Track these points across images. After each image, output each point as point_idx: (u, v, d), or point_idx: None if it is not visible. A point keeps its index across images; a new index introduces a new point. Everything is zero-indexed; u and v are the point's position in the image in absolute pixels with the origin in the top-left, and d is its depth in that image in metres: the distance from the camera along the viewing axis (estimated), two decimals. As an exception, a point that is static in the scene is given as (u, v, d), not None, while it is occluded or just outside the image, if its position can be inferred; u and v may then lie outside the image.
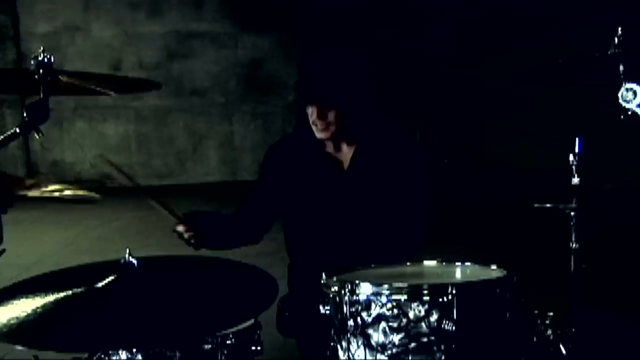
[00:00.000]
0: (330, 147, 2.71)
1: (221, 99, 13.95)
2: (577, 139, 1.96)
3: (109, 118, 13.55)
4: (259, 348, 1.86)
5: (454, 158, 7.72)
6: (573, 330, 1.80)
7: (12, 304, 1.40)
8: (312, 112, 2.57)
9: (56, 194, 1.92)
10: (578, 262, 1.94)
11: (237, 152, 14.25)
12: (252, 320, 1.91)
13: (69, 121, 13.47)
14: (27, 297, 1.44)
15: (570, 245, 1.98)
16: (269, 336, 2.10)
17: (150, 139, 13.73)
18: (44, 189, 1.93)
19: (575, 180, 1.96)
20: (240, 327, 1.87)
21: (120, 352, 1.67)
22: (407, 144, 2.75)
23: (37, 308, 1.38)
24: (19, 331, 1.28)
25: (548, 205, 1.95)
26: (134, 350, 1.69)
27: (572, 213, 1.97)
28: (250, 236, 2.83)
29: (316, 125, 2.57)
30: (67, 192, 1.96)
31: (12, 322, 1.31)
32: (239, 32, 13.96)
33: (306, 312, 2.10)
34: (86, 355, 1.49)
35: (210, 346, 1.75)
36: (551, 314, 1.71)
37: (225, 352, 1.74)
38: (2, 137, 1.63)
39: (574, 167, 1.98)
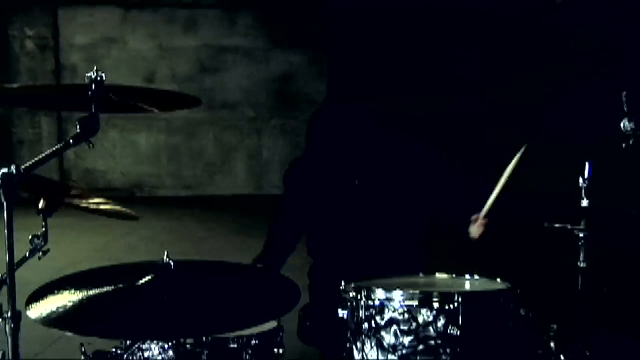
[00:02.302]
0: None
1: (251, 113, 14.16)
2: (586, 164, 2.06)
3: (141, 129, 13.80)
4: (281, 351, 1.99)
5: (479, 178, 7.74)
6: (579, 346, 1.89)
7: (61, 295, 1.56)
8: None
9: (102, 207, 2.05)
10: (585, 280, 2.04)
11: (265, 166, 14.39)
12: (276, 324, 2.04)
13: (103, 131, 13.14)
14: (74, 290, 1.60)
15: (579, 264, 2.08)
16: (291, 344, 2.21)
17: (181, 150, 13.94)
18: (89, 200, 2.08)
19: (585, 202, 2.07)
20: (265, 329, 2.01)
21: (153, 348, 1.81)
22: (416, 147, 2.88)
23: (84, 300, 1.54)
24: (68, 319, 1.45)
25: (557, 225, 2.05)
26: (166, 347, 1.83)
27: (581, 234, 2.07)
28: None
29: None
30: (109, 207, 2.11)
31: (61, 310, 1.48)
32: (271, 48, 14.18)
33: (327, 319, 2.21)
34: (124, 345, 1.63)
35: (236, 346, 1.88)
36: (555, 326, 1.80)
37: (250, 352, 1.88)
38: (56, 147, 1.78)
39: (583, 190, 2.08)
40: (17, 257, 1.81)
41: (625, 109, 1.81)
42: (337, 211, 2.68)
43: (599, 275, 2.07)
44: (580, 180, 2.08)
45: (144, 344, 1.74)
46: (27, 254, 2.09)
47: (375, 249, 2.32)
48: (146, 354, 1.82)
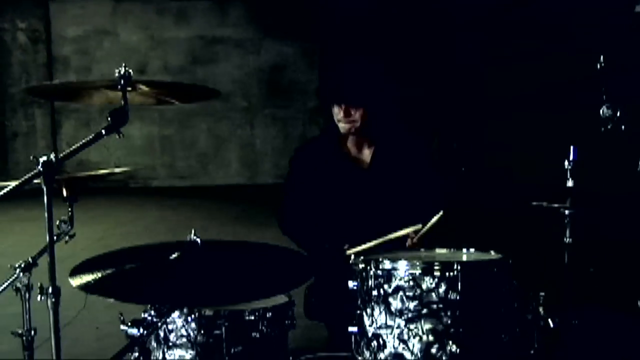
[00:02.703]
0: (352, 150, 3.01)
1: (243, 103, 14.19)
2: (571, 148, 2.24)
3: (134, 120, 13.64)
4: (293, 322, 2.17)
5: (470, 164, 7.94)
6: (566, 313, 2.06)
7: (101, 269, 1.74)
8: (338, 110, 2.87)
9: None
10: (571, 255, 2.22)
11: (258, 155, 14.46)
12: (287, 299, 2.22)
13: (96, 122, 13.66)
14: (113, 264, 1.77)
15: (564, 240, 2.26)
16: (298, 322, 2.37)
17: (174, 141, 13.99)
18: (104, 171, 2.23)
19: (570, 183, 2.25)
20: (277, 302, 2.19)
21: (177, 320, 1.99)
22: (416, 144, 3.04)
23: (122, 271, 1.73)
24: (107, 287, 1.63)
25: (544, 204, 2.23)
26: (189, 319, 2.01)
27: (566, 212, 2.26)
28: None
29: (341, 122, 2.87)
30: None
31: (102, 280, 1.66)
32: (262, 38, 14.21)
33: (331, 296, 2.38)
34: (155, 313, 1.79)
35: (252, 318, 2.06)
36: (543, 294, 1.98)
37: (265, 323, 2.06)
38: (89, 137, 1.93)
39: (568, 172, 2.27)
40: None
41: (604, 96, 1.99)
42: (338, 197, 2.84)
43: (583, 250, 2.25)
44: (566, 162, 2.27)
45: (169, 316, 1.91)
46: (55, 237, 2.27)
47: (375, 230, 2.48)
48: (170, 327, 2.00)
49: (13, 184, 1.95)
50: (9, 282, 2.28)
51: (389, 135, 2.95)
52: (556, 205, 2.20)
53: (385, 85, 2.96)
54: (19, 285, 2.25)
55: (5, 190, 1.90)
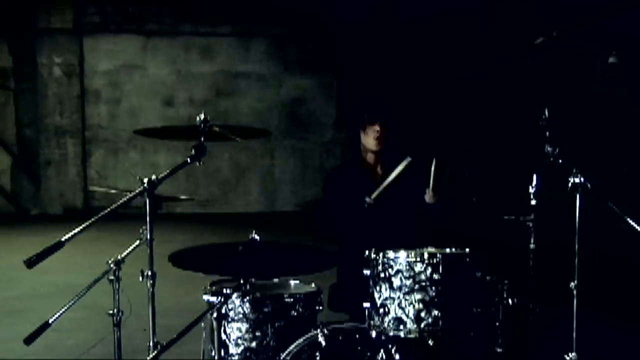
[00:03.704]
0: (370, 165, 3.73)
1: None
2: (534, 175, 2.91)
3: (159, 150, 14.36)
4: (320, 308, 2.85)
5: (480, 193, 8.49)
6: (525, 296, 2.68)
7: (194, 255, 2.49)
8: (373, 130, 3.58)
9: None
10: (535, 258, 2.86)
11: (277, 184, 15.00)
12: (316, 288, 2.90)
13: (124, 151, 14.41)
14: (200, 254, 2.51)
15: (530, 246, 2.90)
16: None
17: (197, 170, 14.14)
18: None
19: (533, 202, 2.90)
20: (309, 290, 2.87)
21: (236, 301, 2.69)
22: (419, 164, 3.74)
23: (210, 255, 2.47)
24: (199, 266, 2.37)
25: (513, 217, 2.89)
26: (244, 299, 2.71)
27: (531, 224, 2.90)
28: None
29: (379, 138, 3.57)
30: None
31: (193, 262, 2.39)
32: (282, 73, 14.83)
33: (351, 291, 3.03)
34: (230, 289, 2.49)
35: (291, 300, 2.75)
36: (507, 281, 2.61)
37: (300, 304, 2.74)
38: (177, 165, 2.58)
39: (532, 195, 2.93)
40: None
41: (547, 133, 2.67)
42: (358, 216, 3.53)
43: (544, 253, 2.91)
44: (530, 188, 2.93)
45: (230, 297, 2.62)
46: (138, 242, 2.99)
47: (385, 241, 3.15)
48: (230, 306, 2.69)
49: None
50: (101, 275, 2.98)
51: (395, 153, 3.66)
52: (522, 218, 2.87)
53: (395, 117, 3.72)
54: (111, 277, 2.96)
55: (113, 206, 2.58)
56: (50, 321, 2.93)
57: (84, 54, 14.21)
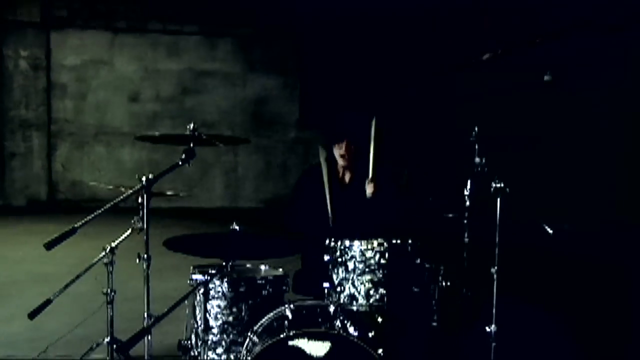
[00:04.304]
0: (339, 174, 4.23)
1: (228, 132, 14.86)
2: (469, 181, 3.47)
3: (125, 145, 14.54)
4: (286, 289, 3.36)
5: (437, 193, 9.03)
6: (457, 281, 3.23)
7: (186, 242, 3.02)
8: (341, 146, 4.05)
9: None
10: (470, 252, 3.43)
11: (240, 181, 15.29)
12: (283, 272, 3.43)
13: (90, 145, 14.55)
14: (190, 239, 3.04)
15: (464, 240, 3.47)
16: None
17: (162, 165, 14.28)
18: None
19: (467, 203, 3.48)
20: (277, 274, 3.40)
21: (216, 280, 3.20)
22: (383, 171, 4.24)
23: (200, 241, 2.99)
24: (191, 249, 2.88)
25: (451, 215, 3.45)
26: (223, 280, 3.23)
27: (465, 221, 3.47)
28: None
29: (344, 156, 4.04)
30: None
31: (187, 247, 2.91)
32: (247, 72, 15.09)
33: (313, 276, 3.53)
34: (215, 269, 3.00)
35: (262, 282, 3.27)
36: (442, 267, 3.15)
37: (269, 285, 3.26)
38: (169, 167, 3.06)
39: (466, 197, 3.50)
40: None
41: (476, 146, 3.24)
42: (323, 215, 4.04)
43: (479, 246, 3.47)
44: (465, 191, 3.50)
45: (216, 275, 3.16)
46: (130, 231, 3.46)
47: (350, 224, 3.62)
48: (211, 285, 3.20)
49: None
50: (97, 259, 3.45)
51: (363, 165, 4.16)
52: (457, 215, 3.44)
53: (365, 130, 4.20)
54: (105, 261, 3.43)
55: (109, 205, 3.05)
56: (51, 298, 3.38)
57: (50, 48, 14.27)
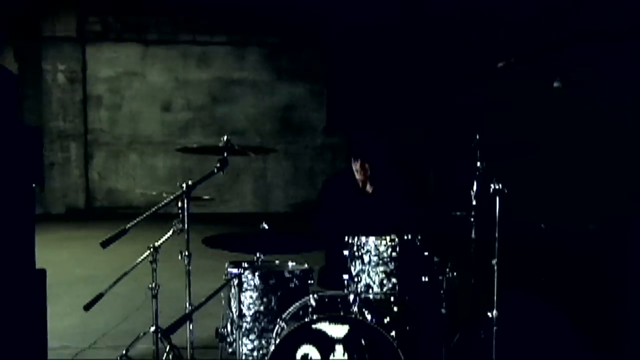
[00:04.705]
0: (362, 184, 4.62)
1: (257, 139, 15.21)
2: (474, 181, 3.83)
3: (158, 153, 15.01)
4: (311, 282, 3.75)
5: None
6: (463, 273, 3.58)
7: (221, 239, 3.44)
8: (356, 163, 4.47)
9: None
10: (476, 247, 3.79)
11: (270, 187, 15.61)
12: (308, 267, 3.82)
13: (124, 154, 15.04)
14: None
15: (471, 236, 3.83)
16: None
17: (194, 171, 14.54)
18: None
19: (474, 202, 3.84)
20: (303, 268, 3.80)
21: (248, 273, 3.61)
22: (399, 184, 4.61)
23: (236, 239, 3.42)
24: (229, 245, 3.31)
25: (459, 213, 3.82)
26: (255, 274, 3.63)
27: (472, 219, 3.83)
28: None
29: (357, 171, 4.46)
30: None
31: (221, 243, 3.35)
32: (275, 80, 15.41)
33: (335, 272, 3.91)
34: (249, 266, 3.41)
35: (289, 275, 3.67)
36: (450, 264, 3.51)
37: (296, 279, 3.66)
38: (205, 174, 3.47)
39: (472, 197, 3.86)
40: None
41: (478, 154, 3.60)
42: (352, 210, 4.42)
43: (484, 242, 3.82)
44: (471, 192, 3.86)
45: (249, 268, 3.57)
46: (171, 232, 3.88)
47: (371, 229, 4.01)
48: (243, 279, 3.61)
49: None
50: (143, 257, 3.88)
51: (384, 180, 4.52)
52: (465, 213, 3.81)
53: (385, 151, 4.60)
54: (150, 259, 3.85)
55: (156, 207, 3.47)
56: (103, 292, 3.81)
57: (86, 61, 14.80)
